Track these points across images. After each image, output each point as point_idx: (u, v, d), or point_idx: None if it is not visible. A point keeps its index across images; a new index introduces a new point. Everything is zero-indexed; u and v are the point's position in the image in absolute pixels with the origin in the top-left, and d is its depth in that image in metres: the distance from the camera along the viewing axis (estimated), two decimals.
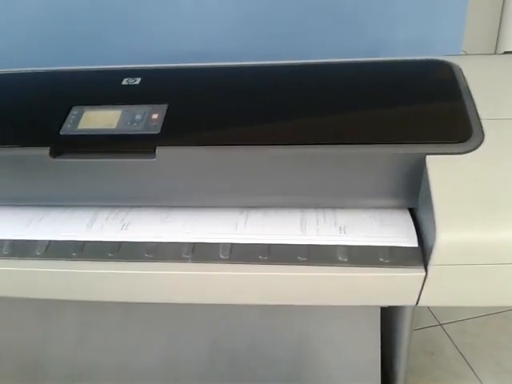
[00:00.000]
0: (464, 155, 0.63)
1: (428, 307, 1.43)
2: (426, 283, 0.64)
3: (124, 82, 0.80)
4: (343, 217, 0.69)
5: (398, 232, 0.66)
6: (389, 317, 1.02)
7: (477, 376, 1.22)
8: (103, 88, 0.81)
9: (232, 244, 0.67)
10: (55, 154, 0.70)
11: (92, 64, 0.88)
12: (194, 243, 0.67)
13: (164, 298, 0.73)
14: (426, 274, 0.63)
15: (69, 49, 1.01)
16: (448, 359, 1.27)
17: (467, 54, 0.81)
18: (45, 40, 1.05)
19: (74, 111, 0.75)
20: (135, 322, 1.06)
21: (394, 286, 0.66)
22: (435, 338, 1.33)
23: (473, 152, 0.64)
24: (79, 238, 0.70)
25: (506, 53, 2.14)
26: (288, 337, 1.00)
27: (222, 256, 0.67)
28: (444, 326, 1.37)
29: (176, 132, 0.71)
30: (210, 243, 0.67)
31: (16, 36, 1.10)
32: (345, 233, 0.66)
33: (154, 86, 0.80)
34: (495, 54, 1.65)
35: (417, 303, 0.68)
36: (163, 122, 0.72)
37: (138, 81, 0.80)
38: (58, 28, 1.05)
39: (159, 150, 0.68)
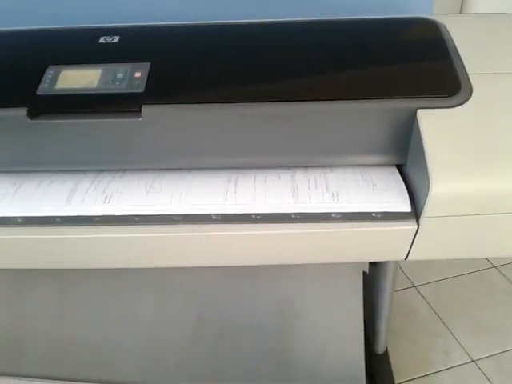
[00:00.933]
0: (454, 109, 0.64)
1: (401, 269, 1.47)
2: (417, 236, 0.65)
3: (101, 40, 0.76)
4: (334, 181, 0.69)
5: (391, 197, 0.66)
6: (371, 279, 1.05)
7: (452, 334, 1.27)
8: (80, 47, 0.77)
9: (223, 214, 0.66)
10: (33, 115, 0.67)
11: (65, 23, 0.83)
12: (183, 215, 0.66)
13: (154, 262, 0.72)
14: (418, 227, 0.64)
15: (39, 8, 0.96)
16: (424, 319, 1.31)
17: (451, 14, 0.81)
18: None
19: (50, 70, 0.71)
20: (118, 293, 1.04)
21: (385, 239, 0.67)
22: (411, 300, 1.37)
23: (462, 105, 0.64)
24: (58, 214, 0.67)
25: None
26: (273, 299, 1.01)
27: (214, 217, 0.66)
28: (418, 287, 1.41)
29: (161, 90, 0.69)
30: (200, 214, 0.66)
31: None
32: (338, 200, 0.66)
33: (134, 44, 0.77)
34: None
35: (406, 258, 0.69)
36: (147, 81, 0.69)
37: (116, 39, 0.77)
38: None
39: (145, 109, 0.66)
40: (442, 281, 1.42)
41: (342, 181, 0.68)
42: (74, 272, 1.00)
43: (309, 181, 0.68)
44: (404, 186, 0.67)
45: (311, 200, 0.66)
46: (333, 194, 0.66)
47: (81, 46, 0.77)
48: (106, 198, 0.67)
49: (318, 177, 0.69)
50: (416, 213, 0.64)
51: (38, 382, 1.01)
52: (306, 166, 0.71)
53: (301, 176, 0.70)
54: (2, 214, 0.67)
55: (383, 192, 0.67)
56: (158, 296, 1.03)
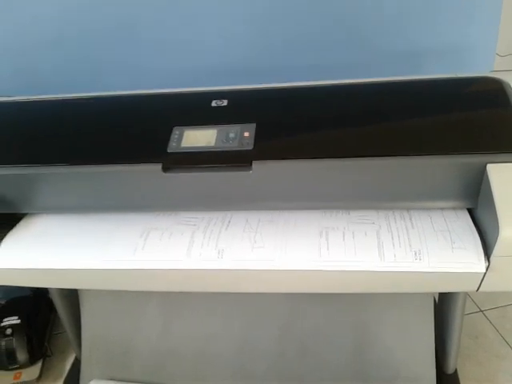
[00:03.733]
0: None
1: (468, 294, 1.54)
2: (487, 273, 0.75)
3: (213, 104, 0.93)
4: (416, 237, 0.78)
5: (468, 257, 0.75)
6: (441, 303, 1.14)
7: None
8: (196, 109, 0.94)
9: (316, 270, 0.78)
10: (166, 169, 0.84)
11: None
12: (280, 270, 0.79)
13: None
14: (489, 265, 0.75)
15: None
16: (491, 343, 1.38)
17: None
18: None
19: (176, 131, 0.88)
20: (212, 313, 1.20)
21: (458, 275, 0.77)
22: (478, 324, 1.44)
23: None
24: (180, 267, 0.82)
25: None
26: (351, 324, 1.13)
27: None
28: (485, 312, 1.48)
29: (267, 148, 0.83)
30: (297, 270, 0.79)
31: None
32: (420, 259, 0.75)
33: (241, 106, 0.93)
34: None
35: (477, 289, 0.80)
36: (254, 139, 0.84)
37: (225, 102, 0.93)
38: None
39: (255, 164, 0.81)
40: (508, 306, 1.48)
41: (423, 237, 0.78)
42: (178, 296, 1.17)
43: (392, 238, 0.79)
44: (479, 243, 0.76)
45: (396, 259, 0.76)
46: (415, 253, 0.76)
47: (197, 109, 0.94)
48: (218, 252, 0.81)
49: (400, 233, 0.79)
50: (486, 252, 0.75)
51: None
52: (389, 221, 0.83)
53: (385, 232, 0.80)
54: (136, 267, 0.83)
55: (462, 251, 0.75)
56: (248, 318, 1.18)
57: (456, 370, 1.20)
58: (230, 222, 0.86)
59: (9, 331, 1.38)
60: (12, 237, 0.91)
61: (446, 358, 1.17)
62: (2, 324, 1.40)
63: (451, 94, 0.89)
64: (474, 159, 0.76)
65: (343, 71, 1.14)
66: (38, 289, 1.50)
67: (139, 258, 0.82)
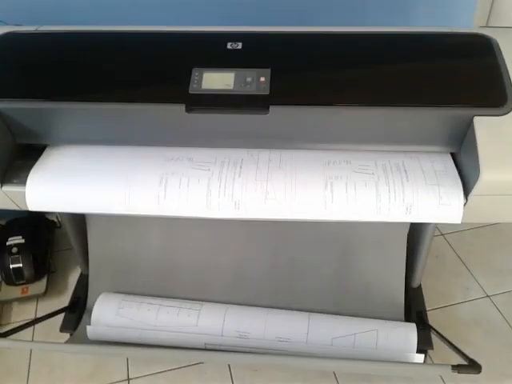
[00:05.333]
0: (503, 116, 0.87)
1: None
2: (465, 208, 0.90)
3: (229, 46, 0.98)
4: (409, 192, 0.89)
5: (450, 216, 0.89)
6: (413, 230, 1.31)
7: (471, 274, 1.56)
8: (212, 51, 0.99)
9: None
10: (189, 109, 0.91)
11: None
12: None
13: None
14: (466, 202, 0.89)
15: None
16: (449, 261, 1.60)
17: (501, 27, 1.01)
18: None
19: (196, 73, 0.94)
20: (211, 237, 1.33)
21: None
22: (439, 246, 1.65)
23: (509, 114, 0.87)
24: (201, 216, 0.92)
25: None
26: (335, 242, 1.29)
27: None
28: (445, 235, 1.69)
29: (281, 93, 0.92)
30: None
31: None
32: (410, 213, 0.88)
33: (255, 50, 0.99)
34: None
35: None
36: (270, 85, 0.92)
37: (239, 45, 0.99)
38: None
39: (272, 108, 0.90)
40: (465, 230, 1.69)
41: (416, 192, 0.89)
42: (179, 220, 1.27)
43: (389, 191, 0.89)
44: (462, 200, 0.88)
45: (389, 213, 0.89)
46: (407, 208, 0.88)
47: (213, 51, 1.00)
48: (235, 204, 0.91)
49: (397, 187, 0.89)
50: (465, 191, 0.89)
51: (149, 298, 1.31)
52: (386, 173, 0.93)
53: (383, 184, 0.90)
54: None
55: (446, 207, 0.88)
56: (244, 241, 1.32)
57: (420, 285, 1.41)
58: (241, 167, 0.94)
59: (15, 250, 1.47)
60: (39, 167, 0.98)
61: (413, 275, 1.37)
62: (8, 243, 1.48)
63: (445, 50, 0.98)
64: (464, 112, 0.88)
65: None
66: None
67: (163, 206, 0.92)
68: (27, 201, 0.95)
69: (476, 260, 1.60)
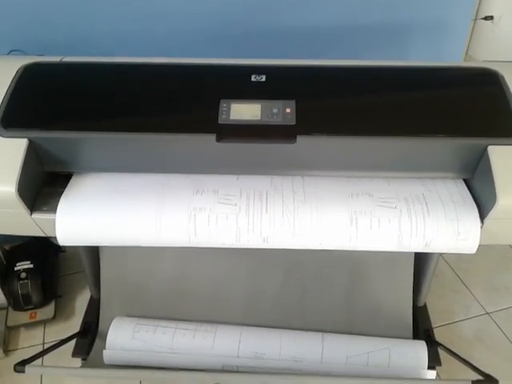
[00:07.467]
0: None
1: None
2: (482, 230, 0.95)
3: (253, 79, 1.03)
4: (430, 226, 0.94)
5: (466, 248, 0.95)
6: (419, 254, 1.36)
7: (470, 292, 1.62)
8: (237, 83, 1.04)
9: None
10: (219, 139, 0.95)
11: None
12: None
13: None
14: (482, 225, 0.95)
15: None
16: (448, 280, 1.66)
17: (506, 62, 1.09)
18: None
19: (224, 104, 0.98)
20: (223, 261, 1.35)
21: None
22: (438, 265, 1.70)
23: None
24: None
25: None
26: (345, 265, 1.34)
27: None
28: (443, 255, 1.75)
29: (307, 123, 0.97)
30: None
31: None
32: (428, 247, 0.95)
33: (279, 83, 1.04)
34: None
35: None
36: (296, 115, 0.97)
37: (263, 78, 1.03)
38: None
39: (299, 138, 0.94)
40: None
41: (436, 228, 0.94)
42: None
43: (411, 225, 0.94)
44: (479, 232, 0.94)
45: (410, 247, 0.95)
46: (426, 244, 0.94)
47: (238, 83, 1.04)
48: (263, 240, 0.95)
49: (419, 220, 0.94)
50: (481, 215, 0.95)
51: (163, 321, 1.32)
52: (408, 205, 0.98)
53: (405, 217, 0.95)
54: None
55: (463, 242, 0.94)
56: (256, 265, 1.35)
57: (425, 304, 1.46)
58: (267, 201, 0.97)
59: (23, 275, 1.46)
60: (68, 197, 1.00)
61: (419, 295, 1.42)
62: (16, 268, 1.48)
63: (459, 83, 1.05)
64: (480, 141, 0.94)
65: None
66: None
67: (193, 242, 0.97)
68: (58, 236, 0.97)
69: (474, 278, 1.67)
